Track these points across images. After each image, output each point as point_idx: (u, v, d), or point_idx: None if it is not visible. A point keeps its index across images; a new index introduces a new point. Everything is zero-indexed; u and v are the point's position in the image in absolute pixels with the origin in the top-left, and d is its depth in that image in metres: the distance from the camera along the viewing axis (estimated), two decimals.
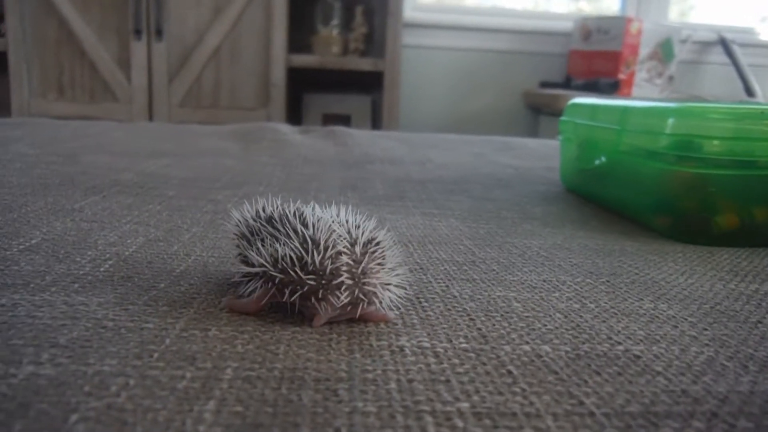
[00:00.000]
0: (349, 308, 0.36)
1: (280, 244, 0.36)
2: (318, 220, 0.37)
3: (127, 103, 2.19)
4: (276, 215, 0.40)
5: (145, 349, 0.33)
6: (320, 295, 0.35)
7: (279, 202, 0.42)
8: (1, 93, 2.29)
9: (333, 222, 0.38)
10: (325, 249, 0.36)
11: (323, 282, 0.35)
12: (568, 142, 0.91)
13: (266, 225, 0.40)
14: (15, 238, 0.52)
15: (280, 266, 0.36)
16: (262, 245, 0.38)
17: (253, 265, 0.37)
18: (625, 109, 0.74)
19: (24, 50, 2.15)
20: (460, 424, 0.26)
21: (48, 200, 0.67)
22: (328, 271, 0.35)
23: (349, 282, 0.35)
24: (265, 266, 0.36)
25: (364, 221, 0.40)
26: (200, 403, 0.27)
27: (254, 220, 0.41)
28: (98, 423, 0.25)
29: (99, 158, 0.96)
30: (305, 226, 0.37)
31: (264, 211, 0.41)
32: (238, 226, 0.42)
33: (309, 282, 0.35)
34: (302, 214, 0.39)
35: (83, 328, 0.35)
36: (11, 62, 2.15)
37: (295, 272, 0.35)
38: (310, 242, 0.36)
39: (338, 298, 0.35)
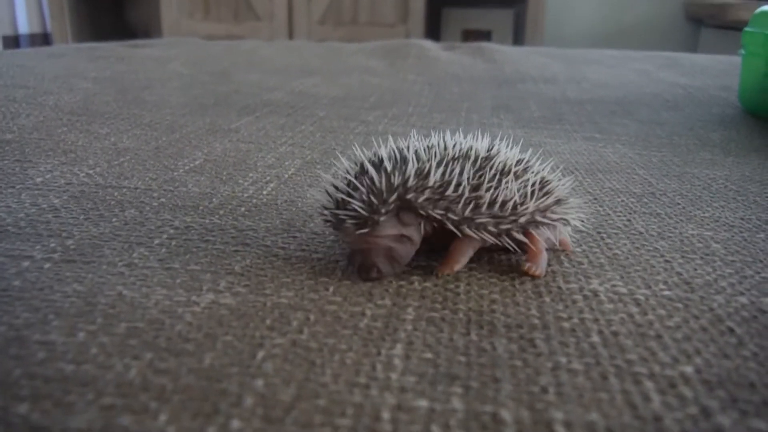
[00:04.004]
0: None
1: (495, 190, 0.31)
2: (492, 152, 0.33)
3: (268, 21, 2.21)
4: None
5: (319, 282, 0.31)
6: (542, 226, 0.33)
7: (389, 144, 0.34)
8: (152, 14, 2.39)
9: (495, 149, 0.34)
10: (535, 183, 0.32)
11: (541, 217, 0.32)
12: (754, 57, 0.80)
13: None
14: (180, 158, 0.53)
15: (508, 211, 0.31)
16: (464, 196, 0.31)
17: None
18: None
19: None
20: (688, 393, 0.22)
21: (206, 120, 0.68)
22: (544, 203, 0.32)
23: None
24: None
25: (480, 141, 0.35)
26: (386, 345, 0.25)
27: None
28: (285, 361, 0.24)
29: (250, 77, 0.97)
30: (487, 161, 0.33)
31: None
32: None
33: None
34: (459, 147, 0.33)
35: (255, 255, 0.34)
36: None
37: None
38: (515, 178, 0.32)
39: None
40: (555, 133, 0.70)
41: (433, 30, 2.29)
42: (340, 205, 0.31)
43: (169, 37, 1.75)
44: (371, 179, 0.30)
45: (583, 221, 0.36)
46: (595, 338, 0.26)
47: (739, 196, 0.48)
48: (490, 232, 0.31)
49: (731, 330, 0.27)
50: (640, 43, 2.38)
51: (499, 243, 0.32)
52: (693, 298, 0.30)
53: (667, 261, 0.35)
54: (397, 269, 0.31)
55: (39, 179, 0.46)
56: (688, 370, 0.24)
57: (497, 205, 0.31)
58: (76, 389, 0.22)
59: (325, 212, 0.32)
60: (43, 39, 2.51)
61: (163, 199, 0.43)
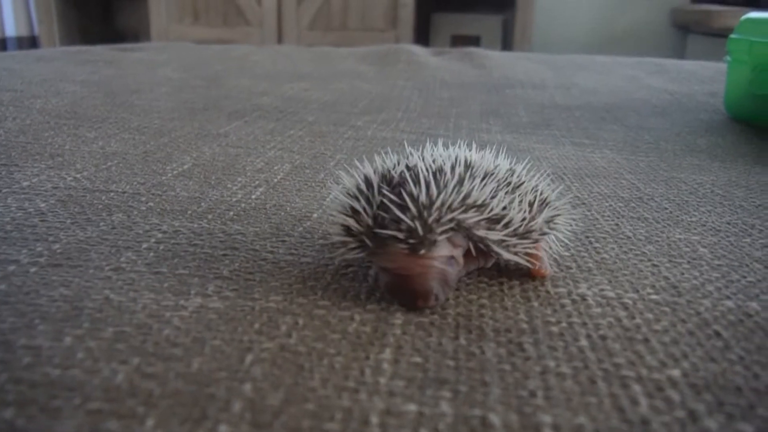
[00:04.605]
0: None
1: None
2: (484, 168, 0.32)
3: (257, 26, 2.21)
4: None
5: (307, 286, 0.31)
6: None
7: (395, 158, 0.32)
8: (141, 19, 2.38)
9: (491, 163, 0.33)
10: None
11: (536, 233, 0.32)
12: (740, 64, 0.81)
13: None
14: (168, 162, 0.53)
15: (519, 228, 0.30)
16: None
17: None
18: None
19: None
20: (675, 397, 0.23)
21: (194, 125, 0.68)
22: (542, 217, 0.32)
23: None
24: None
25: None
26: (375, 350, 0.25)
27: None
28: (274, 366, 0.24)
29: (240, 82, 0.97)
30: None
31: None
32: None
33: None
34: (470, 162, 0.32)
35: (243, 259, 0.34)
36: None
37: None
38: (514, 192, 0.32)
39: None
40: (543, 139, 0.70)
41: (423, 35, 2.30)
42: (377, 224, 0.28)
43: (159, 42, 1.74)
44: (424, 195, 0.27)
45: (571, 224, 0.36)
46: (583, 342, 0.26)
47: (725, 200, 0.49)
48: (510, 252, 0.30)
49: (718, 334, 0.27)
50: (628, 49, 2.40)
51: (512, 261, 0.31)
52: (680, 302, 0.31)
53: (654, 265, 0.35)
54: (449, 295, 0.29)
55: (25, 183, 0.45)
56: (676, 373, 0.24)
57: (518, 224, 0.30)
58: (63, 394, 0.22)
59: (360, 234, 0.28)
60: (30, 42, 2.49)
61: (151, 204, 0.42)
